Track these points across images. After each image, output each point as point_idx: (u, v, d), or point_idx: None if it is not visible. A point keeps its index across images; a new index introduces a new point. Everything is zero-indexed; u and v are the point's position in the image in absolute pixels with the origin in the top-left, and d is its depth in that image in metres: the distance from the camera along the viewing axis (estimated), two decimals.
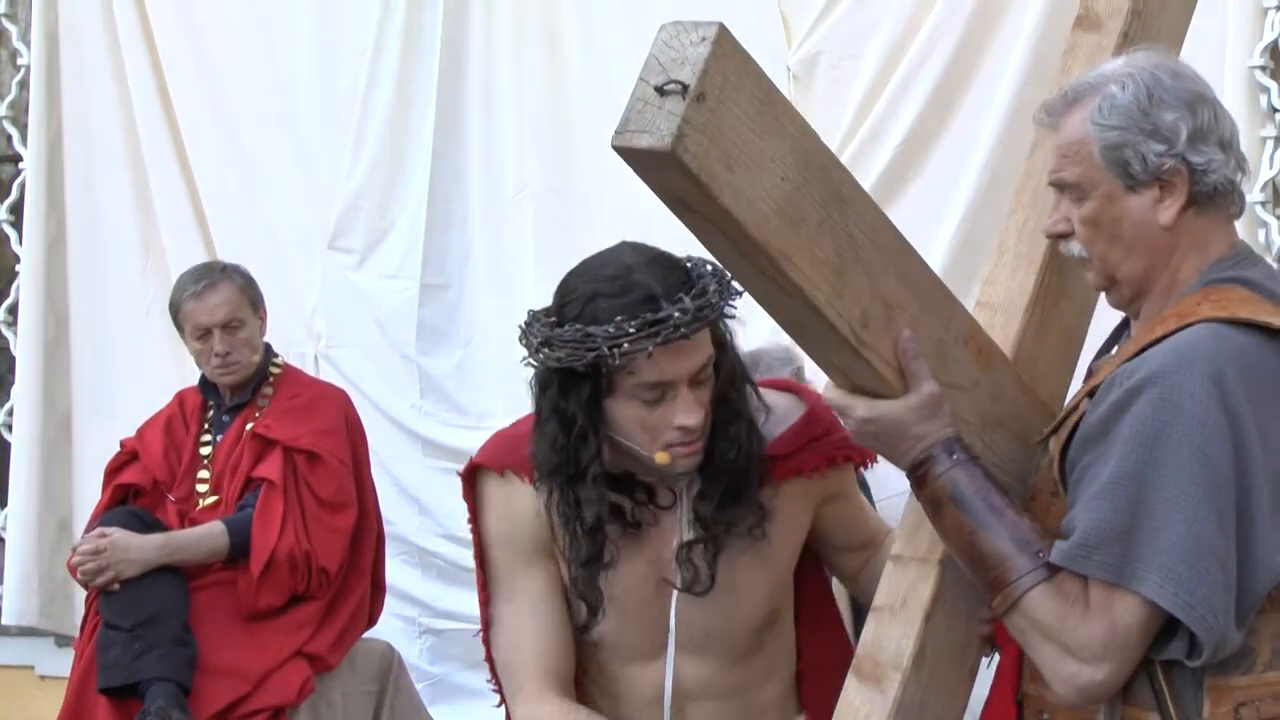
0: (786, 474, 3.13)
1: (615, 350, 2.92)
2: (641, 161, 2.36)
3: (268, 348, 5.33)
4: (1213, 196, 2.44)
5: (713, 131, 2.31)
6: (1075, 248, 2.53)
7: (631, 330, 2.91)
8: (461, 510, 5.51)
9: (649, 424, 2.98)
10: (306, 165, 6.33)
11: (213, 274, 5.29)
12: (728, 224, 2.39)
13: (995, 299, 2.95)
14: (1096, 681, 2.33)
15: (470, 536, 5.53)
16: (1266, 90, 5.06)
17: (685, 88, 2.28)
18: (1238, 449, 2.29)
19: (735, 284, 3.00)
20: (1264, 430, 2.37)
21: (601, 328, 2.91)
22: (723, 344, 3.07)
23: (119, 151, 6.26)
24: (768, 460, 3.19)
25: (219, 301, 5.18)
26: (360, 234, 6.28)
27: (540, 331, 3.01)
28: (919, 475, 2.48)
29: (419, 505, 6.07)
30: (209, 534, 4.97)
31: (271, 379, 5.32)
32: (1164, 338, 2.40)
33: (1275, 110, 5.21)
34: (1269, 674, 2.39)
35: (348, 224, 6.26)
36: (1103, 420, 2.43)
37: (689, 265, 3.06)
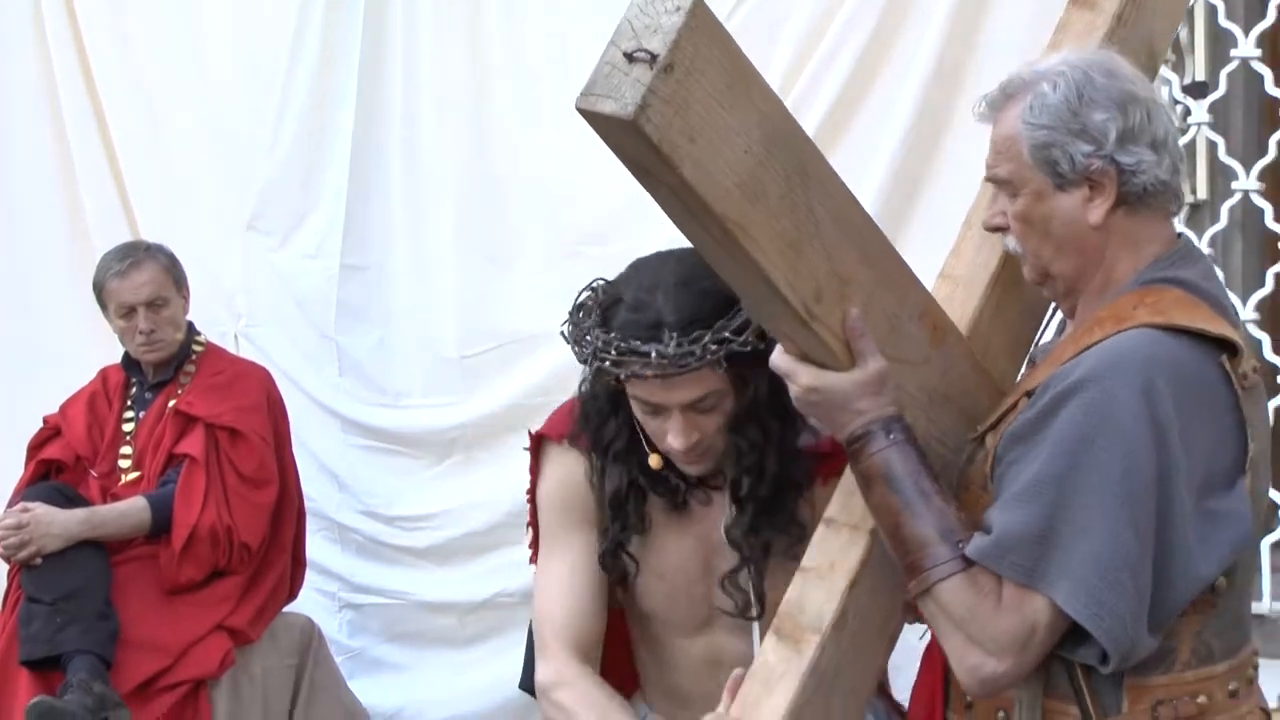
0: (831, 473, 3.07)
1: (598, 363, 3.03)
2: (603, 126, 2.36)
3: (190, 326, 5.37)
4: (1143, 197, 2.46)
5: (678, 103, 2.32)
6: (1011, 242, 2.58)
7: (613, 354, 2.99)
8: (379, 488, 5.97)
9: (650, 428, 3.09)
10: (227, 147, 6.22)
11: (137, 253, 5.34)
12: (686, 193, 2.40)
13: (958, 272, 3.01)
14: (998, 674, 2.36)
15: (390, 510, 5.88)
16: (1167, 82, 5.05)
17: (654, 57, 2.28)
18: (1162, 461, 2.31)
19: (746, 346, 3.00)
20: (1190, 440, 2.39)
21: (600, 336, 3.01)
22: (742, 381, 3.07)
23: (44, 132, 6.25)
24: (814, 460, 3.23)
25: (143, 280, 5.24)
26: (280, 215, 6.19)
27: (572, 315, 3.12)
28: (855, 449, 2.48)
29: (338, 482, 6.04)
30: (131, 509, 5.01)
31: (194, 357, 5.37)
32: (1101, 340, 2.42)
33: (1176, 102, 5.15)
34: (1187, 673, 2.44)
35: (267, 205, 6.19)
36: (1033, 421, 2.44)
37: (728, 303, 3.03)
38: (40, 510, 4.86)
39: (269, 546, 5.28)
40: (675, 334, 2.98)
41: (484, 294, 5.63)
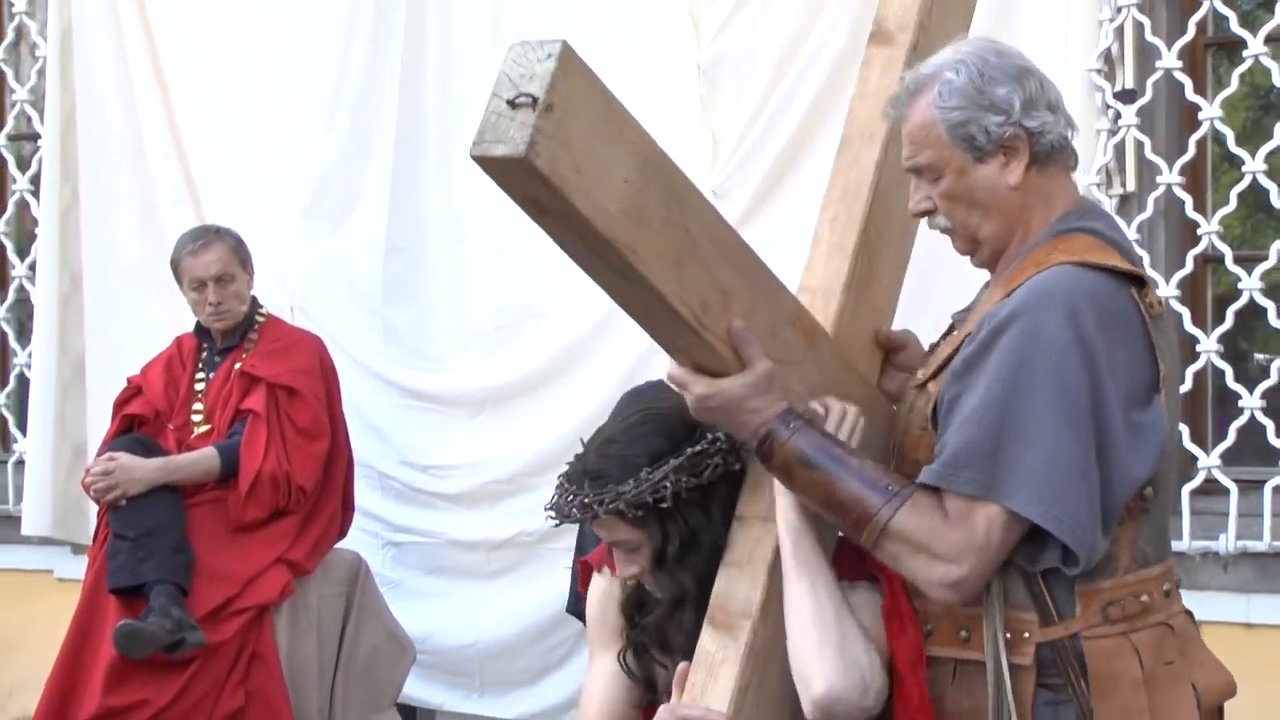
0: None
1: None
2: (498, 169, 2.39)
3: (254, 300, 5.56)
4: (1050, 154, 2.58)
5: (562, 139, 2.37)
6: (940, 221, 2.66)
7: (554, 494, 3.04)
8: (417, 441, 6.12)
9: None
10: (284, 144, 6.40)
11: (208, 235, 5.51)
12: (579, 222, 2.44)
13: (814, 283, 3.10)
14: (961, 577, 2.44)
15: (427, 461, 6.12)
16: (1101, 90, 5.11)
17: (535, 100, 2.33)
18: (1092, 376, 2.41)
19: (687, 486, 2.92)
20: (1113, 358, 2.49)
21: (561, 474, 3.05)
22: (657, 531, 2.98)
23: (123, 130, 6.41)
24: None
25: (213, 258, 5.40)
26: (332, 203, 6.38)
27: None
28: (765, 448, 2.56)
29: (382, 436, 6.22)
30: (203, 458, 5.17)
31: (257, 326, 5.56)
32: (1024, 281, 2.52)
33: (1109, 106, 5.15)
34: (1128, 576, 2.55)
35: (321, 195, 6.37)
36: (971, 356, 2.53)
37: (652, 460, 2.94)
38: (124, 459, 5.04)
39: (321, 491, 5.49)
40: (586, 483, 2.98)
41: (511, 273, 5.66)
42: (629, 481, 2.88)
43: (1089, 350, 2.41)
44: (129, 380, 5.55)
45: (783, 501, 2.81)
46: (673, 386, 2.71)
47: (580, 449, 3.03)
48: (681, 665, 2.88)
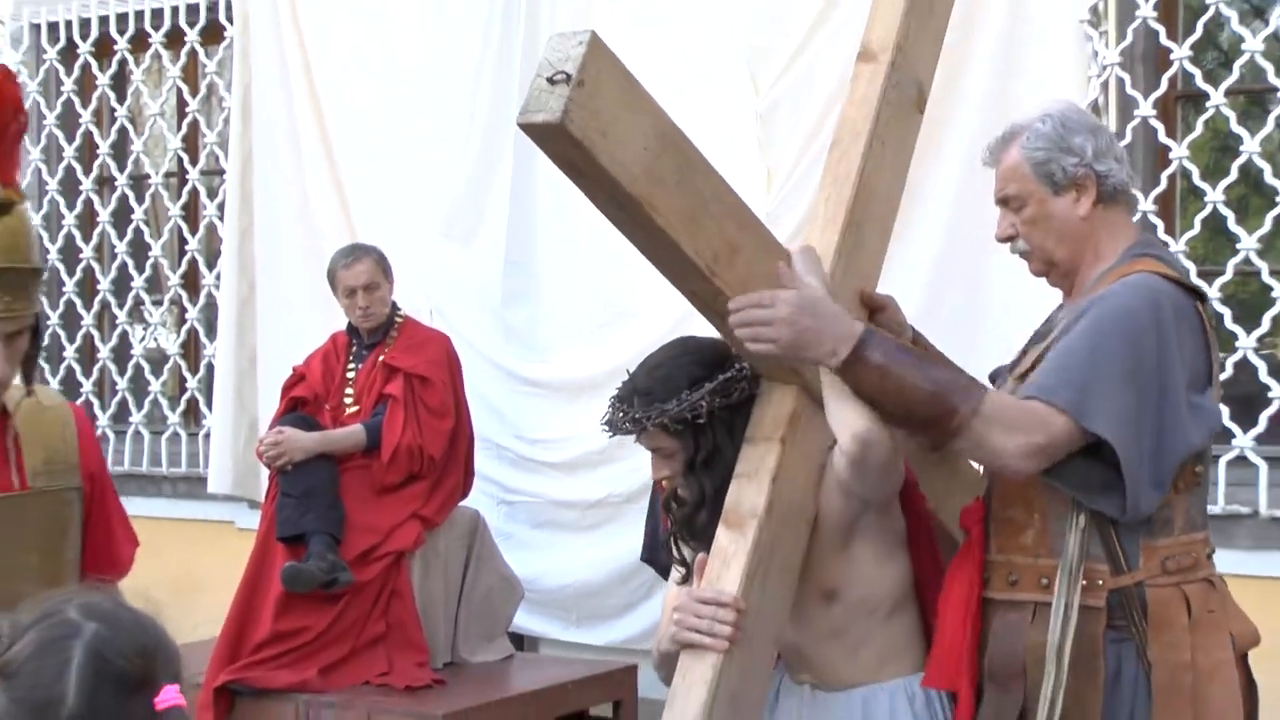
0: None
1: None
2: (540, 133, 2.53)
3: (394, 304, 5.86)
4: (1115, 195, 2.74)
5: (591, 109, 2.50)
6: (1020, 245, 2.80)
7: (606, 411, 3.11)
8: (528, 420, 6.34)
9: None
10: (424, 176, 6.75)
11: (358, 251, 5.80)
12: (607, 181, 2.58)
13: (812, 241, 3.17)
14: (1042, 446, 2.54)
15: (535, 435, 6.33)
16: (1090, 38, 5.29)
17: (569, 77, 2.47)
18: (1162, 352, 2.54)
19: (719, 405, 2.99)
20: (1182, 345, 2.65)
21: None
22: (692, 442, 3.03)
23: (290, 166, 6.78)
24: None
25: (362, 270, 5.71)
26: (462, 226, 6.75)
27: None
28: (857, 353, 2.56)
29: (499, 416, 6.56)
30: (353, 432, 5.49)
31: (396, 326, 5.88)
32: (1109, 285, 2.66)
33: (1096, 54, 5.34)
34: (1182, 537, 2.71)
35: (453, 219, 6.76)
36: (1066, 328, 2.71)
37: (691, 383, 3.00)
38: (290, 432, 5.38)
39: (448, 460, 5.78)
40: (636, 400, 3.04)
41: (606, 282, 5.89)
42: (672, 400, 2.98)
43: (1164, 331, 2.56)
44: (294, 369, 5.88)
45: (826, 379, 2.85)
46: (747, 312, 2.64)
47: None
48: (700, 556, 3.01)
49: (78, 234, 7.80)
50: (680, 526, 3.13)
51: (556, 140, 2.52)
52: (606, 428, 3.13)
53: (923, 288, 5.49)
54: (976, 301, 5.53)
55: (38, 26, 8.25)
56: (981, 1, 5.47)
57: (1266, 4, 5.24)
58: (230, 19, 7.20)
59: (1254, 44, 5.09)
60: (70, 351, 7.82)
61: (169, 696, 1.83)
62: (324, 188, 6.72)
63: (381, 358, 5.81)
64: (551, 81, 2.50)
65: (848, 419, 2.83)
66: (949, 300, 5.53)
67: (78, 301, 7.79)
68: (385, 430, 5.61)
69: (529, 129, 2.51)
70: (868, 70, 3.35)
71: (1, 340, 2.63)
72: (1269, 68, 4.97)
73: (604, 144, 2.52)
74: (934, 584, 3.12)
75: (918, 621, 3.19)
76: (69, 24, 7.98)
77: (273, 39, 6.78)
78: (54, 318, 7.54)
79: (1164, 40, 5.35)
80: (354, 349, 5.93)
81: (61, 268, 7.81)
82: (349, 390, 5.88)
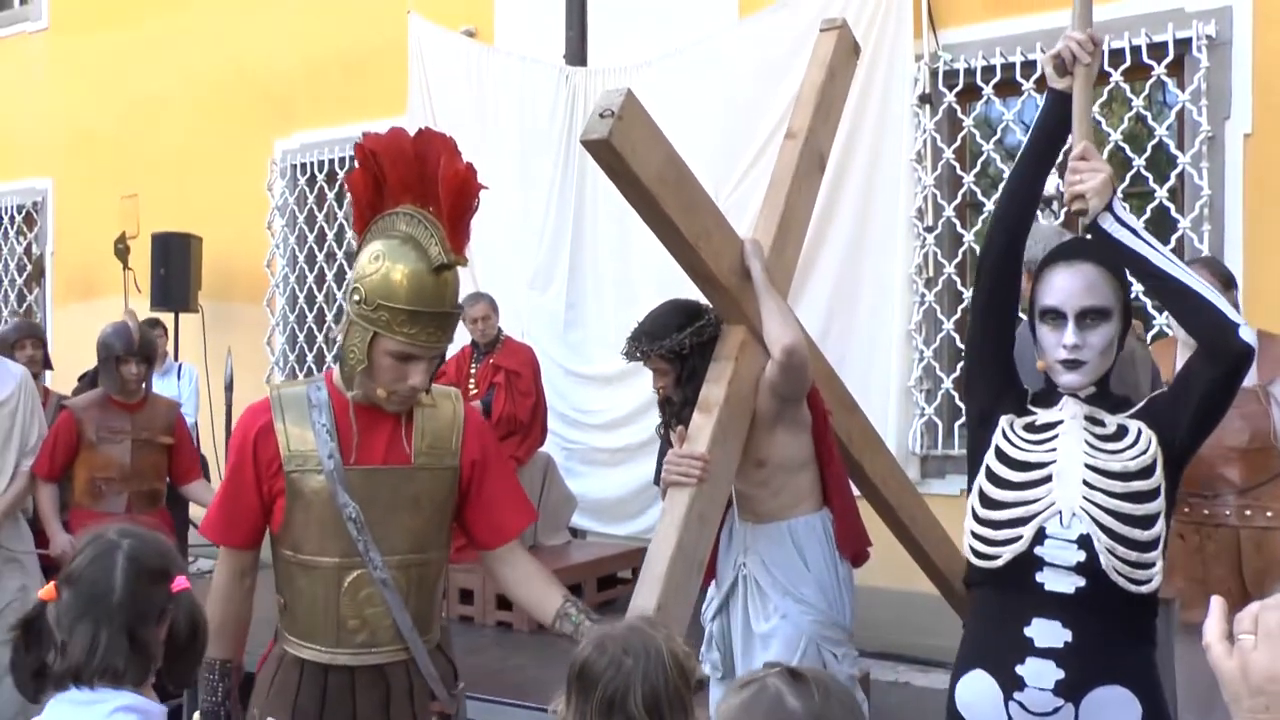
0: None
1: None
2: (595, 148, 2.81)
3: (499, 329, 7.22)
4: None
5: (626, 134, 2.86)
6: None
7: (624, 345, 3.59)
8: (580, 399, 7.92)
9: None
10: (517, 248, 8.09)
11: (477, 295, 7.02)
12: (635, 183, 2.91)
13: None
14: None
15: (583, 408, 7.89)
16: (914, 169, 6.43)
17: (614, 113, 2.82)
18: None
19: (696, 341, 3.47)
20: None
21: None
22: (679, 368, 3.52)
23: None
24: None
25: (480, 307, 6.95)
26: (541, 279, 8.10)
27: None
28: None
29: (562, 395, 7.85)
30: (476, 407, 4.26)
31: (501, 341, 7.25)
32: None
33: (919, 178, 6.44)
34: None
35: (535, 274, 8.10)
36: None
37: (677, 328, 3.50)
38: None
39: (530, 422, 7.14)
40: (643, 339, 3.49)
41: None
42: (666, 339, 3.39)
43: None
44: (442, 369, 6.75)
45: (758, 275, 3.42)
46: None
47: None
48: (679, 429, 3.38)
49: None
50: (671, 416, 3.52)
51: (605, 151, 2.83)
52: (624, 356, 3.55)
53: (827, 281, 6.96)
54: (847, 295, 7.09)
55: (294, 165, 10.40)
56: (860, 107, 6.67)
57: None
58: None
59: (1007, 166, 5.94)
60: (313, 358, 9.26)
61: (181, 583, 2.11)
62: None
63: (491, 360, 7.24)
64: (602, 116, 2.83)
65: (778, 337, 3.28)
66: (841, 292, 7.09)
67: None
68: (494, 404, 7.03)
69: (588, 144, 2.86)
70: (790, 144, 3.87)
71: (427, 362, 2.88)
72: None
73: (633, 156, 2.86)
74: (827, 456, 3.65)
75: (816, 479, 3.63)
76: (307, 164, 10.10)
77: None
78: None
79: (958, 171, 6.88)
80: (475, 356, 7.32)
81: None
82: (472, 380, 7.22)
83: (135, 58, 11.58)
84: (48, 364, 7.06)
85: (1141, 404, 2.71)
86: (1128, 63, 6.72)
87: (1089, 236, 2.62)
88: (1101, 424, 2.65)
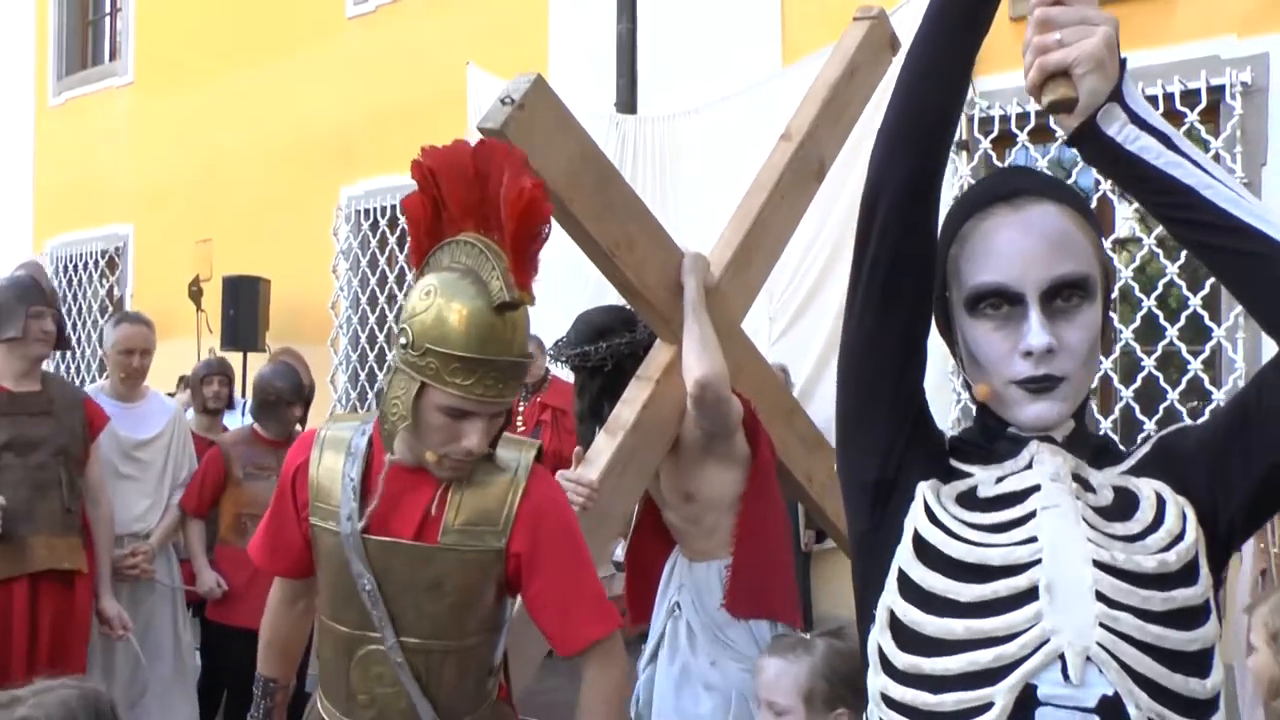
0: None
1: None
2: (489, 137, 2.52)
3: (547, 369, 7.11)
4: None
5: (526, 124, 2.64)
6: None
7: (550, 349, 3.45)
8: None
9: None
10: (562, 294, 6.55)
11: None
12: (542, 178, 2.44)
13: (711, 259, 3.29)
14: None
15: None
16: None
17: (514, 101, 2.63)
18: None
19: (597, 356, 3.26)
20: None
21: None
22: (595, 382, 3.35)
23: None
24: None
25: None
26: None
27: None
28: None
29: None
30: (524, 441, 4.97)
31: (547, 381, 7.22)
32: None
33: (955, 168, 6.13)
34: None
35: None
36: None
37: (602, 334, 3.32)
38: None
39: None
40: (562, 340, 3.35)
41: None
42: (580, 347, 3.26)
43: None
44: None
45: (691, 293, 3.11)
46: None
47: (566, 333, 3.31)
48: (577, 450, 3.18)
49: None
50: (585, 430, 3.32)
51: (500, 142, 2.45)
52: (551, 355, 3.42)
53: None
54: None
55: (358, 211, 10.68)
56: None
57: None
58: None
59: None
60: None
61: None
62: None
63: (537, 399, 7.26)
64: (503, 103, 2.61)
65: (691, 368, 3.03)
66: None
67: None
68: (542, 440, 5.07)
69: (482, 133, 2.58)
70: (783, 146, 3.51)
71: (486, 420, 2.41)
72: None
73: (534, 151, 2.55)
74: (751, 495, 3.32)
75: None
76: (370, 210, 10.44)
77: None
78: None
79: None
80: (523, 395, 7.19)
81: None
82: (520, 418, 7.15)
83: (212, 112, 12.07)
84: (230, 403, 7.05)
85: (1145, 449, 1.64)
86: (1160, 109, 6.46)
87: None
88: (1091, 489, 1.58)
